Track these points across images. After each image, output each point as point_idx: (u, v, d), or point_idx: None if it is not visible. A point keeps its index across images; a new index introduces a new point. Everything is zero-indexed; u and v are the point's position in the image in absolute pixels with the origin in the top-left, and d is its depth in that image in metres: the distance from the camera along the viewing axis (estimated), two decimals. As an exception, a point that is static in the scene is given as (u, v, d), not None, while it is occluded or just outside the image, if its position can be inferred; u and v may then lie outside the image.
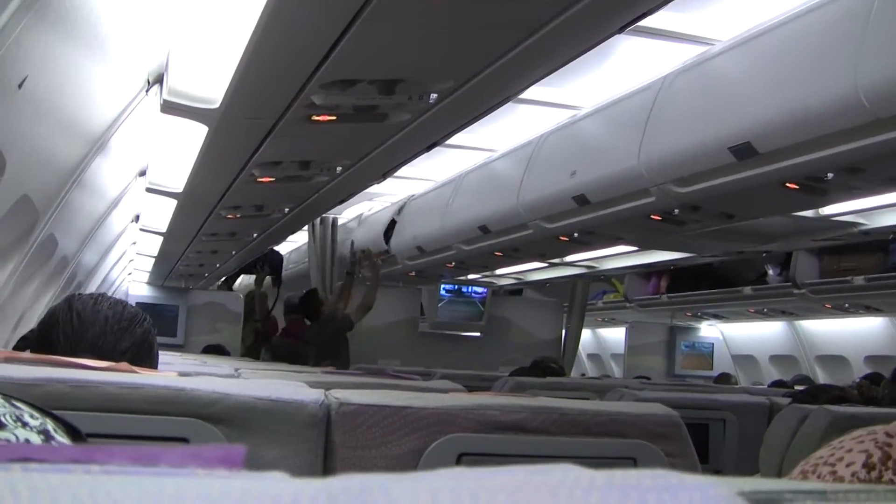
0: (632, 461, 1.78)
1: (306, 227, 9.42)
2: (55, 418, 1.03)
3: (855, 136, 3.53)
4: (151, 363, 2.00)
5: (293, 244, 11.63)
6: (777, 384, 8.44)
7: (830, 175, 3.98)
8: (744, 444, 3.49)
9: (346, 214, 9.67)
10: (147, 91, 3.80)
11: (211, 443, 1.53)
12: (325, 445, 1.68)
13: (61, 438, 1.00)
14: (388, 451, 1.69)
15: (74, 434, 1.04)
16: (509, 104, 4.40)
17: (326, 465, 1.66)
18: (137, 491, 0.45)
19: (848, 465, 0.80)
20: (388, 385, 2.54)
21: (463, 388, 2.51)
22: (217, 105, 3.55)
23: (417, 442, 1.70)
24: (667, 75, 4.54)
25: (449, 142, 4.94)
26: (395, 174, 5.66)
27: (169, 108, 3.70)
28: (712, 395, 3.78)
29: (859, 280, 7.89)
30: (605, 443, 1.77)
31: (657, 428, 1.82)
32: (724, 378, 10.50)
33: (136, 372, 1.68)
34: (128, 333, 1.96)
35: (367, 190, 6.46)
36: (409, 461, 1.69)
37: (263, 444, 1.62)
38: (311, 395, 1.68)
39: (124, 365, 1.74)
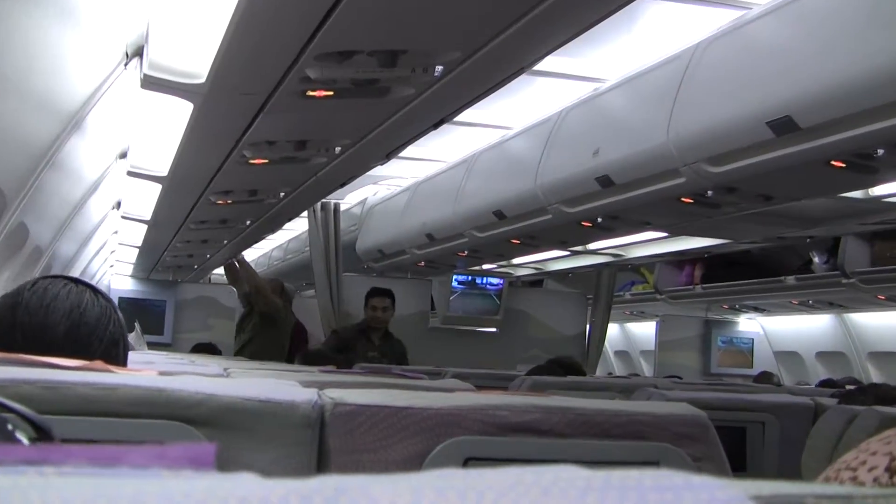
0: (654, 465, 1.79)
1: (305, 214, 9.44)
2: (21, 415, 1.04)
3: (908, 109, 3.53)
4: (121, 363, 1.98)
5: (292, 232, 11.66)
6: (825, 384, 8.40)
7: (881, 151, 3.97)
8: (785, 449, 3.48)
9: (348, 199, 9.68)
10: (126, 65, 3.81)
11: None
12: (318, 449, 1.69)
13: (20, 437, 1.01)
14: (388, 455, 1.70)
15: (43, 434, 1.05)
16: (525, 77, 4.41)
17: (320, 471, 1.66)
18: (92, 493, 0.46)
19: (870, 470, 0.80)
20: (389, 384, 2.54)
21: (472, 388, 2.52)
22: (202, 80, 3.56)
23: (420, 445, 1.71)
24: (699, 43, 4.54)
25: (459, 119, 4.94)
26: (401, 155, 5.66)
27: (150, 83, 3.70)
28: (749, 395, 3.77)
29: (915, 268, 7.88)
30: (625, 446, 1.77)
31: (682, 429, 1.82)
32: (765, 377, 10.48)
33: (112, 371, 1.69)
34: (89, 347, 1.93)
35: (371, 172, 6.46)
36: (411, 466, 1.70)
37: (252, 449, 1.63)
38: (304, 395, 1.69)
39: (99, 364, 1.74)
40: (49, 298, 1.93)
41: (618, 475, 0.52)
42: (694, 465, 1.80)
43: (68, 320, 1.92)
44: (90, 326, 1.93)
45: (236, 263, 9.91)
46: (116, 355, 1.97)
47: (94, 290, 2.01)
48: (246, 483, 0.49)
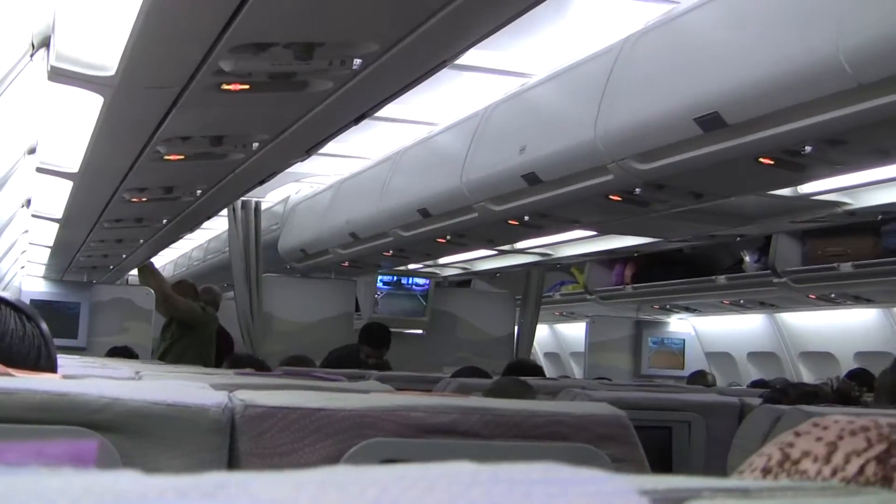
0: (573, 467, 1.79)
1: (225, 213, 9.39)
2: None
3: (835, 105, 3.58)
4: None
5: (212, 231, 11.59)
6: (757, 385, 8.48)
7: (809, 148, 4.02)
8: (712, 449, 3.52)
9: (270, 198, 9.64)
10: (32, 56, 3.76)
11: (99, 455, 1.53)
12: (230, 454, 1.68)
13: None
14: (301, 458, 1.69)
15: None
16: (450, 71, 4.42)
17: (230, 476, 1.64)
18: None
19: (752, 472, 0.82)
20: (305, 387, 2.54)
21: (390, 389, 2.53)
22: (112, 72, 3.53)
23: (333, 448, 1.71)
24: (627, 37, 4.57)
25: (382, 114, 4.94)
26: (324, 151, 5.65)
27: (57, 75, 3.66)
28: (675, 395, 3.82)
29: (847, 267, 7.94)
30: (544, 447, 1.78)
31: (602, 429, 1.84)
32: (699, 377, 10.54)
33: (11, 374, 1.66)
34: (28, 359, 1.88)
35: (293, 170, 6.44)
36: (324, 470, 1.68)
37: (161, 455, 1.62)
38: (214, 398, 1.68)
39: (-3, 366, 1.70)
40: None
41: (505, 469, 0.53)
42: (613, 466, 1.82)
43: None
44: (17, 364, 1.79)
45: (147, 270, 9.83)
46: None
47: (16, 309, 1.87)
48: (125, 479, 0.49)
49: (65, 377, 1.77)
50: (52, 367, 1.92)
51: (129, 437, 1.59)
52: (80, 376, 2.03)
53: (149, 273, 9.70)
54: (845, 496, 0.58)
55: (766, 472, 0.78)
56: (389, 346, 8.63)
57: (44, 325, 1.92)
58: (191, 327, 9.08)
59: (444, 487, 0.50)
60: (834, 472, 0.73)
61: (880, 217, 6.73)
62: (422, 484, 0.50)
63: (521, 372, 6.35)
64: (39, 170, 5.73)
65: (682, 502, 0.53)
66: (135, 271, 11.04)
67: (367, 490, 0.49)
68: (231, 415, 1.68)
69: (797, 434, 0.80)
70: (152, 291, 10.25)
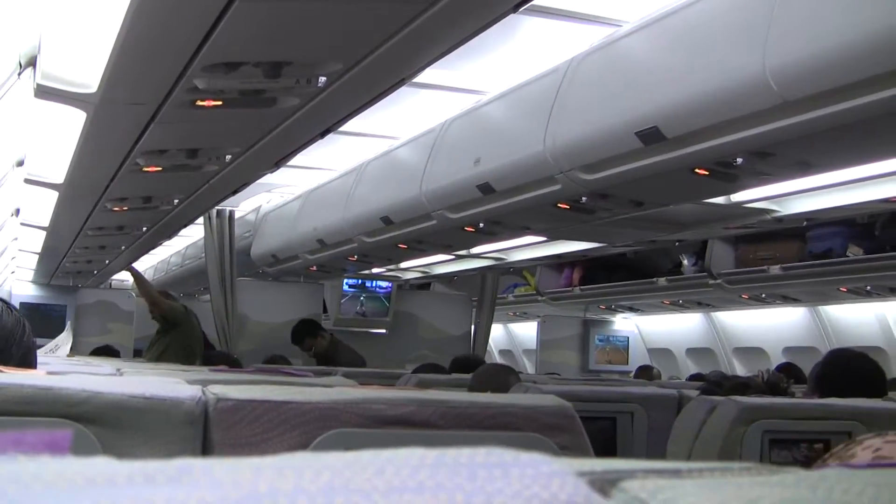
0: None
1: (201, 221, 9.35)
2: None
3: (763, 120, 3.60)
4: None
5: (189, 238, 11.53)
6: (695, 378, 8.52)
7: (740, 160, 4.04)
8: (653, 438, 3.54)
9: (243, 207, 9.60)
10: (19, 74, 3.73)
11: (80, 444, 1.52)
12: (203, 444, 1.67)
13: None
14: (269, 448, 1.69)
15: None
16: (410, 89, 4.41)
17: (203, 465, 1.64)
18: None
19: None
20: (275, 382, 2.53)
21: (353, 383, 2.52)
22: (94, 90, 3.51)
23: (300, 438, 1.70)
24: (573, 58, 4.58)
25: (348, 129, 4.93)
26: (292, 163, 5.63)
27: (43, 92, 3.64)
28: (619, 388, 3.84)
29: (775, 269, 8.02)
30: (496, 436, 1.78)
31: (550, 419, 1.84)
32: (645, 371, 10.59)
33: (0, 371, 1.65)
34: (7, 354, 1.91)
35: (264, 180, 6.42)
36: (291, 459, 1.68)
37: (138, 445, 1.61)
38: (188, 392, 1.67)
39: (-14, 364, 1.70)
40: None
41: (452, 453, 0.53)
42: (560, 453, 1.82)
43: None
44: (6, 333, 1.90)
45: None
46: (31, 362, 1.96)
47: (5, 302, 1.99)
48: (96, 465, 0.49)
49: (50, 374, 1.76)
50: (34, 344, 1.98)
51: (109, 428, 1.58)
52: (65, 373, 2.02)
53: (138, 281, 9.64)
54: (765, 476, 0.59)
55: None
56: (313, 336, 8.77)
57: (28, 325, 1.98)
58: (173, 326, 9.05)
59: (393, 471, 0.50)
60: None
61: (805, 223, 6.79)
62: (372, 468, 0.50)
63: (466, 365, 6.34)
64: (27, 181, 5.70)
65: (616, 482, 0.53)
66: (118, 275, 10.98)
67: (321, 474, 0.49)
68: (204, 407, 1.67)
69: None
70: (134, 295, 10.22)
